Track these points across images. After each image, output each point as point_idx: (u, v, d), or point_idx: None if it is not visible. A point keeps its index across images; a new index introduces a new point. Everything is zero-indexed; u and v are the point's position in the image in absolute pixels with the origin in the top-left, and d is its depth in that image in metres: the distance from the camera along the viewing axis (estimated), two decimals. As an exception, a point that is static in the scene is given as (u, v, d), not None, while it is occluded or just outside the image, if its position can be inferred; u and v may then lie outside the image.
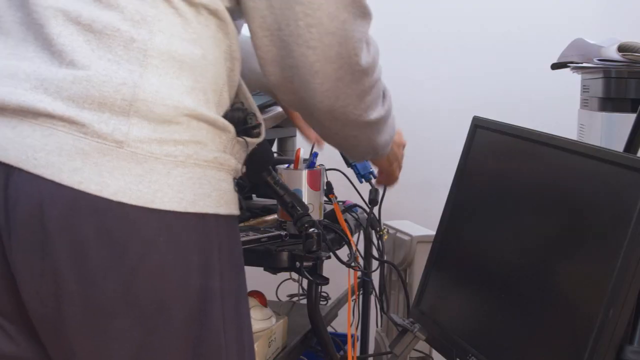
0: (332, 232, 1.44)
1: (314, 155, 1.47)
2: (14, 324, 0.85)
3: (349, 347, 1.46)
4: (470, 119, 1.32)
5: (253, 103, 0.97)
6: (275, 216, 1.49)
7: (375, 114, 0.99)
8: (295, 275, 1.80)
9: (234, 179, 0.92)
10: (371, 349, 1.95)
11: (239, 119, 0.93)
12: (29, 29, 0.83)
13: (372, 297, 1.83)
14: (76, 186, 0.78)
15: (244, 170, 0.95)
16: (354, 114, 0.96)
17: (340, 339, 1.63)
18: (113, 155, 0.79)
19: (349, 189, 1.65)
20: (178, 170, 0.82)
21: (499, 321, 1.12)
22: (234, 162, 0.90)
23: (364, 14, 0.91)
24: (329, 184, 1.53)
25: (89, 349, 0.83)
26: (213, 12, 0.87)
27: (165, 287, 0.83)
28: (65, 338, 0.82)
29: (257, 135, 0.96)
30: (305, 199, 1.40)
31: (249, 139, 0.93)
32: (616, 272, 0.92)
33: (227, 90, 0.90)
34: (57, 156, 0.78)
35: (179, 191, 0.82)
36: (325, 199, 1.50)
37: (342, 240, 1.45)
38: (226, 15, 0.89)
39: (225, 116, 0.90)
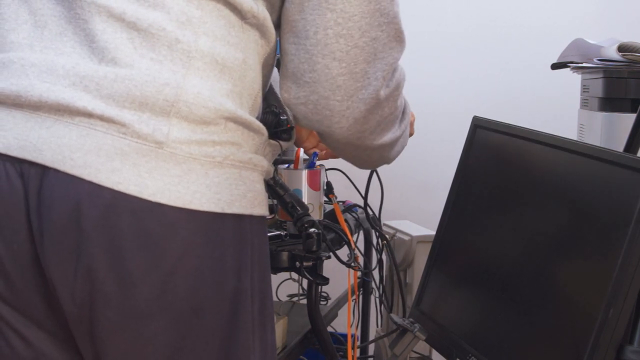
0: (332, 232, 1.44)
1: (314, 155, 1.47)
2: (41, 329, 0.83)
3: (348, 347, 1.46)
4: (470, 119, 1.32)
5: (285, 107, 0.97)
6: (275, 216, 1.49)
7: (390, 135, 0.96)
8: (295, 275, 1.80)
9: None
10: (371, 349, 1.95)
11: (271, 122, 0.93)
12: (69, 23, 0.82)
13: (372, 297, 1.83)
14: (115, 187, 0.77)
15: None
16: (369, 139, 0.93)
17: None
18: (152, 155, 0.78)
19: (349, 189, 1.65)
20: (215, 171, 0.81)
21: (499, 321, 1.12)
22: (267, 164, 0.90)
23: (399, 39, 0.88)
24: (329, 184, 1.53)
25: (122, 351, 0.82)
26: (259, 19, 0.87)
27: (201, 289, 0.82)
28: (100, 339, 0.81)
29: (288, 139, 0.96)
30: (305, 199, 1.40)
31: (281, 142, 0.94)
32: (616, 272, 0.92)
33: (260, 95, 0.91)
34: (95, 156, 0.77)
35: (216, 192, 0.81)
36: (325, 199, 1.50)
37: (342, 240, 1.45)
38: (270, 23, 0.89)
39: (258, 119, 0.90)
